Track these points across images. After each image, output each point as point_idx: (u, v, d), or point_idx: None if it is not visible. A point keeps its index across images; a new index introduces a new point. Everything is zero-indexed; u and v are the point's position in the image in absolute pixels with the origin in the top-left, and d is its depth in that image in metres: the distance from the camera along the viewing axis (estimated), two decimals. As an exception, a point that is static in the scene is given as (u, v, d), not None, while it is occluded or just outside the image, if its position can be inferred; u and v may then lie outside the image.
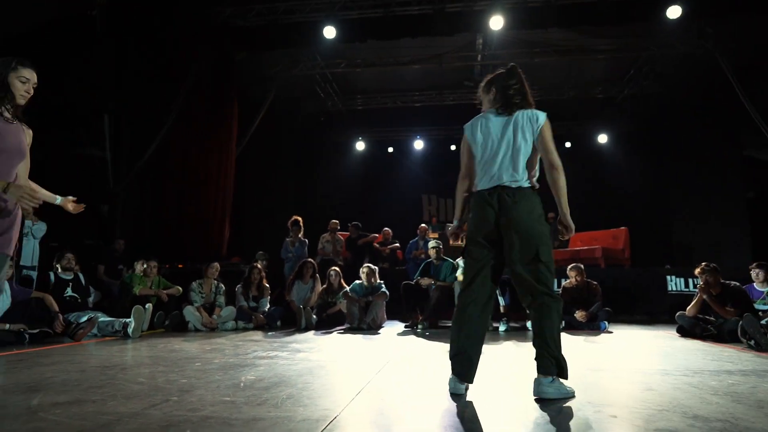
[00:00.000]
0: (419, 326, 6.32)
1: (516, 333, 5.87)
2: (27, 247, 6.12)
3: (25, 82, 2.61)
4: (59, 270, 5.79)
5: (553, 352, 2.37)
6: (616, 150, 13.70)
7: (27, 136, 2.74)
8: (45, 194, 2.88)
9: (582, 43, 10.16)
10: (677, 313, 5.59)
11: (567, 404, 2.24)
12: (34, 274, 6.19)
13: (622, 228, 9.74)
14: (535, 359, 2.40)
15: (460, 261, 6.72)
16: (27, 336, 4.74)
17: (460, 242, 2.80)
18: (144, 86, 8.65)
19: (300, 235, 8.06)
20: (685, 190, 12.14)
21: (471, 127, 2.68)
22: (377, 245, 9.81)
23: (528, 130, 2.52)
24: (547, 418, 2.03)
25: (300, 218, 8.18)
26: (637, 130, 13.45)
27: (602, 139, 13.77)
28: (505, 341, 5.08)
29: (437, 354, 4.12)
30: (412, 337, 5.47)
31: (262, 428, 1.85)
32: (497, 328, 6.17)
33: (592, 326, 6.13)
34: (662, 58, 10.64)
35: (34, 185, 2.83)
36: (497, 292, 6.35)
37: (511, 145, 2.52)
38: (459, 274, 6.56)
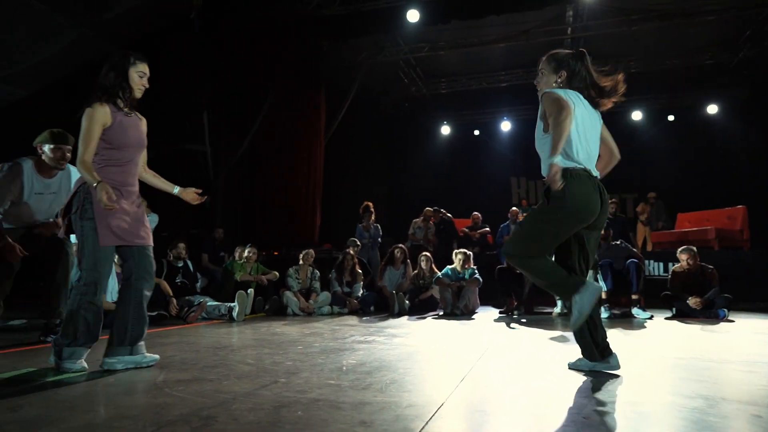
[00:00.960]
0: (515, 312, 6.15)
1: (620, 321, 5.51)
2: (142, 237, 6.64)
3: (142, 77, 2.78)
4: (171, 258, 6.24)
5: None
6: (729, 121, 12.39)
7: (143, 125, 2.92)
8: (163, 184, 3.07)
9: (687, 5, 9.23)
10: (813, 301, 4.98)
11: (695, 400, 2.04)
12: (149, 261, 6.72)
13: (740, 207, 8.84)
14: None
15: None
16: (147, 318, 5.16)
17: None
18: (238, 81, 9.06)
19: (372, 221, 8.10)
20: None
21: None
22: (466, 229, 9.65)
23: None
24: (682, 414, 1.85)
25: (371, 204, 8.23)
26: (754, 97, 12.08)
27: (712, 109, 12.51)
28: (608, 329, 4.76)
29: (537, 340, 3.96)
30: (509, 323, 5.31)
31: (371, 412, 1.84)
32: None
33: (708, 314, 5.62)
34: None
35: (153, 173, 3.05)
36: (599, 276, 6.01)
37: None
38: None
